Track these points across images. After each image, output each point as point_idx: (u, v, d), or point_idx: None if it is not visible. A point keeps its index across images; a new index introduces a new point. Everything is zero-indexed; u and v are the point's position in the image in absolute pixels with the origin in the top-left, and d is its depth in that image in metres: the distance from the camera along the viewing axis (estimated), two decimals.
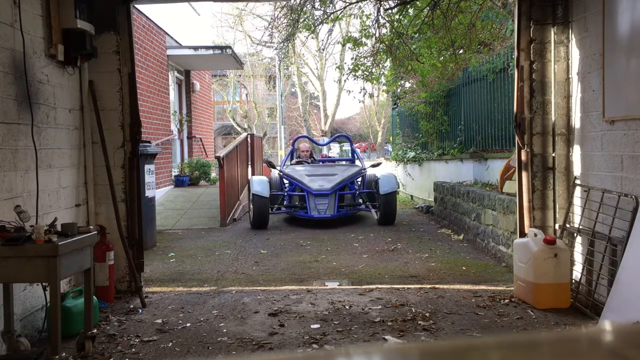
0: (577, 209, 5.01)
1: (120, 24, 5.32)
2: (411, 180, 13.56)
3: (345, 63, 22.12)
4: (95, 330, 4.12)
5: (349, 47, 13.71)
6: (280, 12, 11.58)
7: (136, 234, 5.44)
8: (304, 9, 10.79)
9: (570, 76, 5.18)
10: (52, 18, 4.68)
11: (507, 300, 4.99)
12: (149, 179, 7.80)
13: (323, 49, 29.55)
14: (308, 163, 11.25)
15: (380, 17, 10.42)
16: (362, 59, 13.00)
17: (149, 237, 7.55)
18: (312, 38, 25.13)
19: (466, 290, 5.37)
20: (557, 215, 5.25)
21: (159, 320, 4.62)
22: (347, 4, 11.14)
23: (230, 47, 14.25)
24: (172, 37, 13.50)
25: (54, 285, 3.47)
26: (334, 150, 35.31)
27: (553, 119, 5.22)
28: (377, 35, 10.82)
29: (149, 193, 7.79)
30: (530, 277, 4.78)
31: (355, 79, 13.21)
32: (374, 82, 14.50)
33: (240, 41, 47.29)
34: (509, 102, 7.70)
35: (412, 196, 13.68)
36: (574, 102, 5.13)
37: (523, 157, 5.28)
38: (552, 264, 4.69)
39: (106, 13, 5.26)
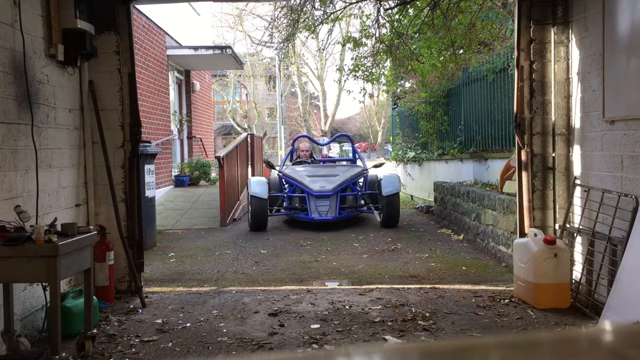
0: (577, 209, 5.01)
1: (120, 24, 5.32)
2: (411, 180, 13.56)
3: (346, 64, 22.13)
4: (95, 330, 4.12)
5: (349, 47, 13.72)
6: (280, 12, 11.59)
7: (136, 234, 5.44)
8: (304, 9, 10.79)
9: (570, 76, 5.18)
10: (52, 18, 4.68)
11: (507, 300, 4.99)
12: (149, 179, 7.80)
13: (323, 49, 29.57)
14: (308, 163, 11.01)
15: (380, 17, 10.42)
16: (362, 59, 13.00)
17: (149, 237, 7.55)
18: (312, 38, 25.14)
19: (466, 290, 5.37)
20: (557, 215, 5.25)
21: (159, 320, 4.62)
22: (347, 4, 11.14)
23: (230, 47, 14.25)
24: (172, 37, 13.50)
25: (54, 285, 3.47)
26: (334, 150, 35.28)
27: (553, 119, 5.22)
28: (377, 35, 10.82)
29: (149, 193, 7.79)
30: (530, 277, 4.78)
31: (355, 79, 13.21)
32: (374, 82, 14.49)
33: (240, 41, 47.32)
34: (509, 102, 7.70)
35: (412, 196, 13.69)
36: (574, 102, 5.13)
37: (523, 157, 5.28)
38: (552, 264, 4.69)
39: (106, 13, 5.26)
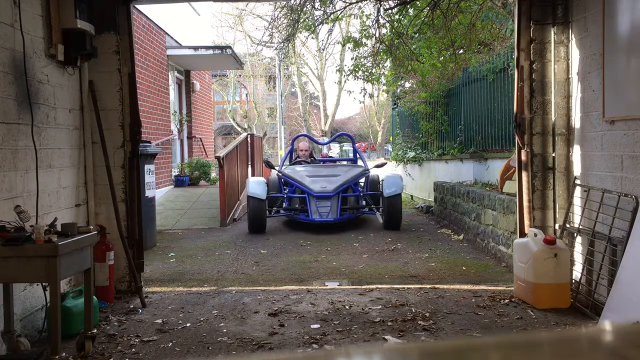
0: (577, 209, 5.01)
1: (120, 24, 5.32)
2: (411, 180, 13.57)
3: (346, 65, 22.13)
4: (95, 330, 4.12)
5: (349, 48, 13.71)
6: (280, 12, 11.58)
7: (136, 234, 5.44)
8: (304, 9, 10.79)
9: (570, 76, 5.18)
10: (52, 18, 4.68)
11: (507, 300, 4.99)
12: (149, 179, 7.80)
13: (323, 49, 29.57)
14: (308, 163, 10.81)
15: (380, 17, 10.42)
16: (362, 60, 13.00)
17: (149, 237, 7.55)
18: (312, 38, 25.15)
19: (466, 290, 5.37)
20: (557, 215, 5.25)
21: (159, 320, 4.62)
22: (347, 4, 11.14)
23: (230, 47, 14.25)
24: (172, 37, 13.50)
25: (54, 285, 3.47)
26: (334, 150, 35.25)
27: (553, 119, 5.23)
28: (377, 35, 10.82)
29: (149, 193, 7.79)
30: (530, 277, 4.78)
31: (355, 79, 13.20)
32: (374, 82, 14.48)
33: (240, 41, 47.31)
34: (509, 102, 7.70)
35: (412, 196, 13.69)
36: (574, 102, 5.13)
37: (523, 157, 5.28)
38: (552, 264, 4.69)
39: (106, 13, 5.26)
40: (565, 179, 5.24)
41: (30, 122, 4.27)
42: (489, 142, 9.03)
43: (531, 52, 5.22)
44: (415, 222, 10.16)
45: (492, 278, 5.89)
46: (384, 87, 16.45)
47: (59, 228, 3.70)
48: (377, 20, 10.48)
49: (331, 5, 10.94)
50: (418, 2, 10.33)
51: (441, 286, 5.53)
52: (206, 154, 15.72)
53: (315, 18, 11.73)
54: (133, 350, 4.00)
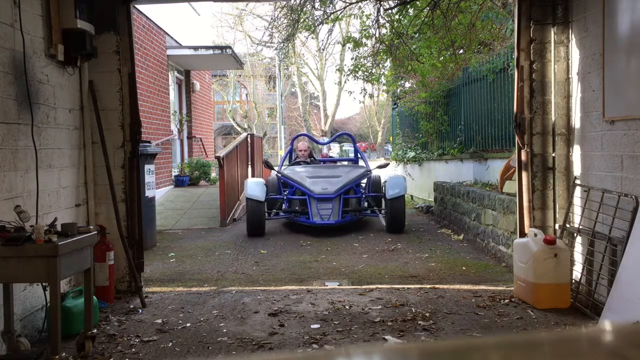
0: (577, 209, 5.01)
1: (120, 24, 5.32)
2: (411, 180, 13.56)
3: (346, 64, 22.14)
4: (95, 330, 4.12)
5: (349, 48, 13.71)
6: (280, 12, 11.59)
7: (136, 234, 5.44)
8: (304, 9, 10.79)
9: (570, 76, 5.18)
10: (52, 18, 4.68)
11: (507, 300, 4.99)
12: (149, 179, 7.80)
13: (323, 49, 29.59)
14: (307, 163, 10.54)
15: (380, 17, 10.42)
16: (362, 60, 13.00)
17: (149, 237, 7.55)
18: (312, 38, 25.16)
19: (466, 290, 5.37)
20: (557, 215, 5.25)
21: (159, 320, 4.62)
22: (347, 4, 11.14)
23: (230, 47, 14.25)
24: (172, 37, 13.51)
25: (54, 285, 3.47)
26: (334, 150, 35.24)
27: (553, 119, 5.23)
28: (377, 35, 10.82)
29: (149, 193, 7.79)
30: (530, 277, 4.78)
31: (355, 79, 13.20)
32: (374, 82, 14.47)
33: (240, 41, 47.32)
34: (509, 102, 7.70)
35: (412, 196, 13.69)
36: (574, 102, 5.13)
37: (523, 157, 5.28)
38: (552, 264, 4.69)
39: (106, 13, 5.26)
40: (565, 179, 5.24)
41: (30, 122, 4.27)
42: (489, 142, 9.03)
43: (531, 52, 5.22)
44: (415, 222, 10.15)
45: (492, 278, 5.89)
46: (384, 87, 16.45)
47: (59, 228, 3.70)
48: (377, 20, 10.48)
49: (331, 5, 10.94)
50: (418, 2, 10.33)
51: (441, 286, 5.53)
52: (206, 154, 15.72)
53: (315, 18, 11.73)
54: (133, 350, 4.00)
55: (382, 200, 9.33)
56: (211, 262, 6.92)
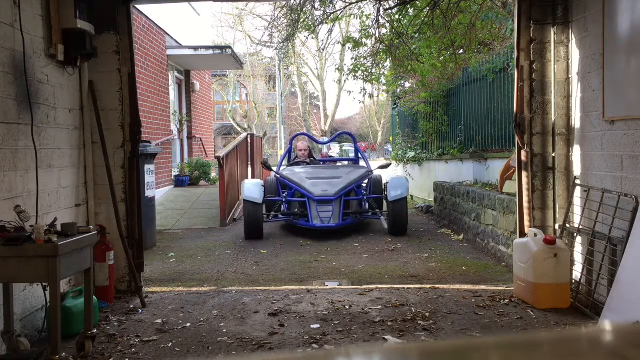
0: (577, 209, 5.01)
1: (120, 24, 5.32)
2: (411, 180, 13.56)
3: (345, 64, 22.15)
4: (95, 330, 4.12)
5: (349, 48, 13.71)
6: (280, 12, 11.59)
7: (136, 234, 5.44)
8: (304, 9, 10.79)
9: (570, 76, 5.18)
10: (52, 18, 4.68)
11: (507, 300, 4.99)
12: (149, 179, 7.80)
13: (323, 49, 29.59)
14: (307, 163, 10.28)
15: (380, 17, 10.42)
16: (362, 60, 12.99)
17: (149, 237, 7.55)
18: (312, 38, 25.16)
19: (466, 290, 5.37)
20: (557, 215, 5.25)
21: (159, 320, 4.62)
22: (347, 4, 11.14)
23: (230, 47, 14.25)
24: (172, 37, 13.51)
25: (54, 285, 3.47)
26: (334, 150, 35.22)
27: (553, 119, 5.23)
28: (377, 35, 10.81)
29: (149, 193, 7.79)
30: (530, 277, 4.78)
31: (355, 79, 13.19)
32: (374, 82, 14.47)
33: (240, 41, 47.29)
34: (509, 102, 7.70)
35: (412, 196, 13.69)
36: (574, 102, 5.13)
37: (523, 157, 5.28)
38: (552, 264, 4.69)
39: (106, 13, 5.26)
40: (565, 179, 5.24)
41: (30, 122, 4.27)
42: (489, 142, 9.03)
43: (531, 52, 5.22)
44: (415, 222, 10.15)
45: (492, 278, 5.89)
46: (384, 87, 16.44)
47: (59, 228, 3.70)
48: (377, 20, 10.48)
49: (331, 5, 10.94)
50: (418, 2, 10.33)
51: (441, 286, 5.53)
52: (206, 154, 15.72)
53: (315, 18, 11.73)
54: (133, 350, 4.00)
55: (384, 201, 9.07)
56: (211, 262, 6.92)
